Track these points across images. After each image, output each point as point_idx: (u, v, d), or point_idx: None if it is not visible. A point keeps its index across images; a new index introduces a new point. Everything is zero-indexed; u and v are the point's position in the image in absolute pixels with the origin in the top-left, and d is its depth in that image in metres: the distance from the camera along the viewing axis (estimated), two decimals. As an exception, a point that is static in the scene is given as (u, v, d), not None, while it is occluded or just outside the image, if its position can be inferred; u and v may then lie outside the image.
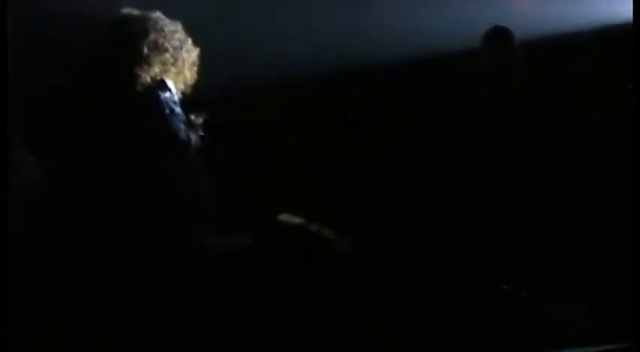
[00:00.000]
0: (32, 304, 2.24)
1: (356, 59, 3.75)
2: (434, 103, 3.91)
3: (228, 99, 3.10)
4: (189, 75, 2.38)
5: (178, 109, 2.27)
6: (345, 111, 3.83)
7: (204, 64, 2.43)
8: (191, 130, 2.30)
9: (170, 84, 2.28)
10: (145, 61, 2.22)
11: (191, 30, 2.40)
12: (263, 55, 3.44)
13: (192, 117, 2.35)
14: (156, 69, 2.25)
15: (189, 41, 2.36)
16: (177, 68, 2.31)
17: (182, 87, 2.36)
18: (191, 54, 2.36)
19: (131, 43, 2.22)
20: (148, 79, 2.23)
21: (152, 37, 2.23)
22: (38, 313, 2.25)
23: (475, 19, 3.92)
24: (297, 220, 2.97)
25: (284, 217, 3.00)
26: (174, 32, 2.30)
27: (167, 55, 2.27)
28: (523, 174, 3.68)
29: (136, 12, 2.31)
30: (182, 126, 2.27)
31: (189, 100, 2.39)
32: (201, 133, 2.36)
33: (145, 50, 2.22)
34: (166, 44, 2.26)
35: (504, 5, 4.09)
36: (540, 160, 3.68)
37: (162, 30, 2.27)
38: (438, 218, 3.56)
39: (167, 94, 2.26)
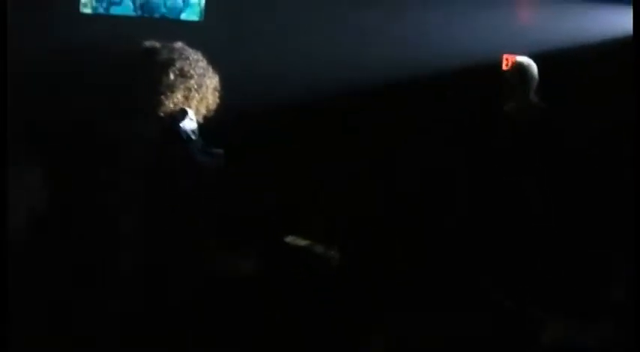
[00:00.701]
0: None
1: (379, 86, 3.84)
2: (436, 116, 3.99)
3: (245, 124, 3.18)
4: (212, 100, 2.48)
5: (196, 137, 2.36)
6: (363, 137, 3.90)
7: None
8: (207, 158, 2.39)
9: (190, 112, 2.37)
10: (169, 89, 2.32)
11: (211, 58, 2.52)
12: (278, 79, 3.56)
13: (211, 147, 2.44)
14: (179, 96, 2.35)
15: (211, 68, 2.46)
16: (200, 94, 2.42)
17: (205, 112, 2.47)
18: (213, 80, 2.46)
19: (159, 71, 2.32)
20: (171, 106, 2.32)
21: (178, 65, 2.34)
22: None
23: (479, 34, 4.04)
24: (302, 242, 3.04)
25: (290, 239, 3.06)
26: (197, 60, 2.41)
27: (192, 82, 2.37)
28: (523, 190, 3.75)
29: (159, 43, 2.42)
30: (198, 154, 2.35)
31: (210, 125, 2.49)
32: (218, 160, 2.46)
33: (172, 77, 2.32)
34: (191, 71, 2.37)
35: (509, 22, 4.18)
36: (543, 177, 3.76)
37: (187, 58, 2.37)
38: (439, 242, 3.59)
39: (187, 122, 2.35)
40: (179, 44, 2.42)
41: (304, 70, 3.65)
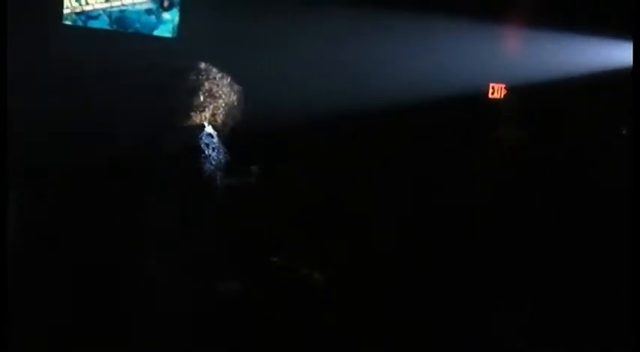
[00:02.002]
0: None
1: (377, 117, 3.91)
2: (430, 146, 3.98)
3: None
4: (237, 116, 2.60)
5: (215, 154, 2.45)
6: (350, 160, 3.91)
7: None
8: (223, 174, 2.48)
9: (210, 129, 2.49)
10: (198, 108, 2.45)
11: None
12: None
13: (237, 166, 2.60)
14: (207, 114, 2.49)
15: (235, 85, 2.59)
16: (227, 111, 2.54)
17: (229, 127, 2.59)
18: (237, 97, 2.59)
19: (189, 93, 2.44)
20: (198, 122, 2.46)
21: (207, 86, 2.47)
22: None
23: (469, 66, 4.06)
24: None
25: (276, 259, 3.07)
26: (222, 78, 2.53)
27: (220, 101, 2.51)
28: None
29: (188, 63, 2.53)
30: (214, 170, 2.42)
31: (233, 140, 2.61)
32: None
33: (202, 99, 2.45)
34: (220, 92, 2.50)
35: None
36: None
37: (214, 79, 2.50)
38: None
39: (209, 138, 2.45)
40: (203, 65, 2.52)
41: (278, 87, 3.66)
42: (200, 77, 2.46)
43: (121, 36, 3.51)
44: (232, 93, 2.55)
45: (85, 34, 3.48)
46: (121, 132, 3.01)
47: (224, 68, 2.55)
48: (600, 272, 3.42)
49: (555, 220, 3.61)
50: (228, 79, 2.56)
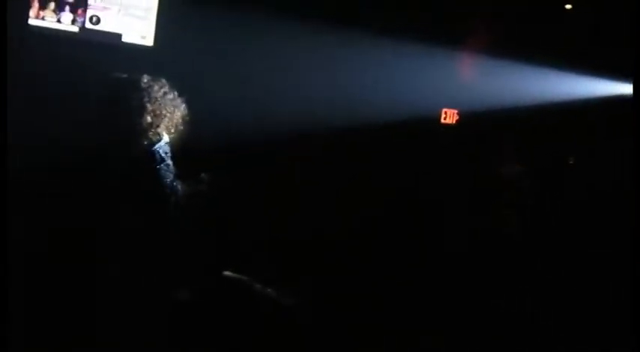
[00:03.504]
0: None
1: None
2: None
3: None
4: (181, 128, 2.63)
5: (169, 161, 2.51)
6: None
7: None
8: (179, 181, 2.52)
9: (166, 138, 2.53)
10: (144, 126, 2.47)
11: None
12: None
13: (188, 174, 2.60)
14: (156, 131, 2.51)
15: (178, 99, 2.61)
16: (172, 126, 2.57)
17: (175, 138, 2.62)
18: (181, 110, 2.62)
19: (134, 115, 2.47)
20: (148, 137, 2.48)
21: (150, 107, 2.50)
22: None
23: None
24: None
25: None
26: (165, 94, 2.55)
27: (166, 120, 2.54)
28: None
29: (128, 79, 2.54)
30: (171, 177, 2.49)
31: (179, 151, 2.62)
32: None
33: (149, 119, 2.48)
34: (164, 111, 2.53)
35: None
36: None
37: (156, 100, 2.52)
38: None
39: (161, 146, 2.51)
40: (145, 81, 2.54)
41: (254, 97, 3.79)
42: (144, 99, 2.48)
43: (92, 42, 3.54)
44: (177, 109, 2.59)
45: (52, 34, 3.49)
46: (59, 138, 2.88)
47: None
48: (600, 273, 3.53)
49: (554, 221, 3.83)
50: (172, 93, 2.58)
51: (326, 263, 3.59)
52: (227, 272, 3.03)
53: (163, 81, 2.60)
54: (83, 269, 2.42)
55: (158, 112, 2.51)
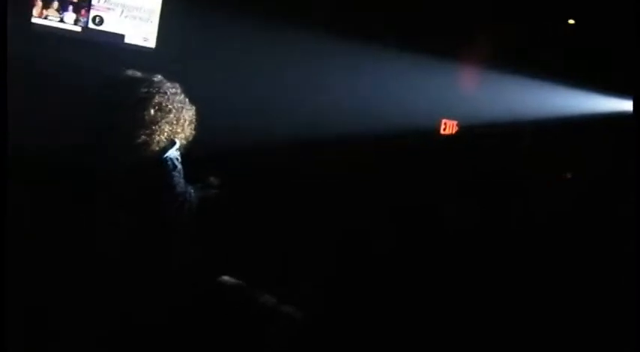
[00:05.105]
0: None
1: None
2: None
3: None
4: (189, 132, 2.53)
5: (180, 166, 2.42)
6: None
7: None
8: (190, 186, 2.45)
9: (177, 144, 2.43)
10: (151, 123, 2.37)
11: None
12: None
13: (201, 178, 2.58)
14: (163, 129, 2.40)
15: (187, 101, 2.52)
16: (179, 126, 2.47)
17: (183, 143, 2.51)
18: (189, 112, 2.52)
19: (139, 107, 2.36)
20: (156, 138, 2.38)
21: (157, 100, 2.39)
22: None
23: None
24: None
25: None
26: (174, 94, 2.45)
27: (171, 116, 2.42)
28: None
29: (138, 74, 2.44)
30: (182, 182, 2.41)
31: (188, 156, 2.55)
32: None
33: (152, 112, 2.36)
34: (170, 106, 2.41)
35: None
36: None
37: (165, 93, 2.41)
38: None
39: (173, 152, 2.42)
40: (157, 77, 2.46)
41: (256, 100, 3.78)
42: (150, 90, 2.38)
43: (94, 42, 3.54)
44: (185, 110, 2.48)
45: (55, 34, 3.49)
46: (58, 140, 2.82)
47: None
48: (600, 274, 3.47)
49: (553, 222, 3.80)
50: (182, 95, 2.49)
51: (325, 271, 3.58)
52: (225, 277, 3.04)
53: (177, 84, 2.51)
54: (95, 277, 2.35)
55: (164, 106, 2.39)
